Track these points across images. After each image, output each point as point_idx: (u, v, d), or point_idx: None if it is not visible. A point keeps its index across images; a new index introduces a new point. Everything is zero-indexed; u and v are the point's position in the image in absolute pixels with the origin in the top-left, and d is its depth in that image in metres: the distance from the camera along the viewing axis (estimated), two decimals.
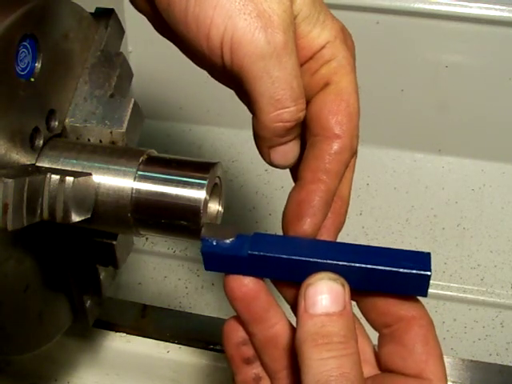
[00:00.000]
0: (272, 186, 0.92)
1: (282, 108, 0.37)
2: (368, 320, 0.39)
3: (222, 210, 0.46)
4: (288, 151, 0.40)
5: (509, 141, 0.91)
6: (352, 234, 0.87)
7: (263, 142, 0.40)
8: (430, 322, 0.37)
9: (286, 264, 0.36)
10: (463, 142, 0.93)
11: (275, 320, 0.38)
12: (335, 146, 0.39)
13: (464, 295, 0.82)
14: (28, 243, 0.44)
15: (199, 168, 0.43)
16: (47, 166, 0.43)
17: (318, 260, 0.36)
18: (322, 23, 0.39)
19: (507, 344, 0.79)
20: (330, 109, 0.39)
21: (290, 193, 0.40)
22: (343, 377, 0.32)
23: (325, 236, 0.40)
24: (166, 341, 0.64)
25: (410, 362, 0.36)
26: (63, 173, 0.40)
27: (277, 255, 0.36)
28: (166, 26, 0.40)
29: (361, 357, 0.34)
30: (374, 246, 0.37)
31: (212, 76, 0.44)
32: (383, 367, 0.38)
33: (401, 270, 0.35)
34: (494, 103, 0.89)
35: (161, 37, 0.45)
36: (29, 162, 0.43)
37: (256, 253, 0.36)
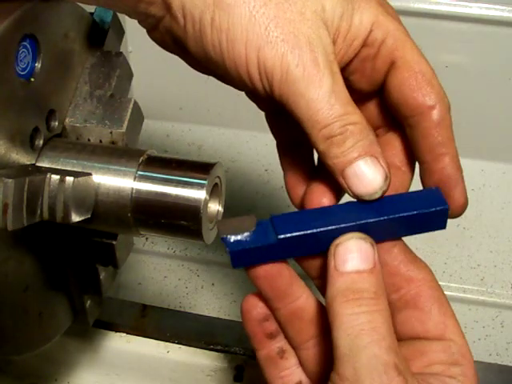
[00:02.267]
0: (272, 185, 0.92)
1: (323, 127, 0.36)
2: None
3: (222, 210, 0.46)
4: (362, 173, 0.37)
5: (509, 141, 0.91)
6: None
7: (324, 158, 0.38)
8: (438, 283, 0.38)
9: (315, 237, 0.36)
10: (463, 141, 0.93)
11: (299, 293, 0.38)
12: (435, 116, 0.39)
13: (464, 295, 0.82)
14: (28, 243, 0.44)
15: (199, 168, 0.43)
16: (47, 166, 0.43)
17: (345, 224, 0.36)
18: (358, 8, 0.38)
19: (507, 344, 0.79)
20: (411, 86, 0.39)
21: (422, 179, 0.40)
22: (374, 331, 0.33)
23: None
24: (166, 341, 0.64)
25: (429, 325, 0.37)
26: (63, 173, 0.40)
27: (304, 232, 0.36)
28: (203, 65, 0.41)
29: None
30: (386, 196, 0.37)
31: (253, 101, 0.45)
32: (401, 336, 0.38)
33: (424, 210, 0.37)
34: (494, 103, 0.89)
35: None
36: (29, 162, 0.43)
37: (285, 235, 0.36)
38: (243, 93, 0.44)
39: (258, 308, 0.39)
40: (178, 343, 0.64)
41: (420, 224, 0.38)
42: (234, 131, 0.98)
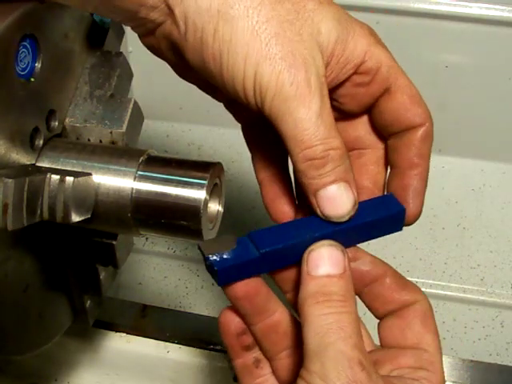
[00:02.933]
0: None
1: (306, 148, 0.37)
2: (372, 309, 0.41)
3: (222, 210, 0.46)
4: (334, 197, 0.38)
5: (509, 141, 0.91)
6: None
7: (301, 176, 0.39)
8: (430, 306, 0.40)
9: (292, 248, 0.38)
10: (463, 141, 0.93)
11: (274, 308, 0.40)
12: (423, 132, 0.42)
13: (464, 295, 0.82)
14: (28, 243, 0.44)
15: (199, 168, 0.43)
16: (47, 166, 0.43)
17: (319, 233, 0.38)
18: (354, 35, 0.40)
19: (507, 344, 0.79)
20: (405, 108, 0.42)
21: (389, 181, 0.43)
22: (341, 329, 0.34)
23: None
24: (166, 341, 0.64)
25: (408, 332, 0.39)
26: (63, 173, 0.40)
27: (282, 244, 0.38)
28: (191, 73, 0.41)
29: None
30: None
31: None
32: (384, 343, 0.40)
33: (386, 214, 0.40)
34: (494, 103, 0.89)
35: None
36: (29, 162, 0.43)
37: (267, 249, 0.38)
38: None
39: (235, 322, 0.40)
40: (177, 343, 0.64)
41: (382, 227, 0.41)
42: (233, 131, 0.97)
